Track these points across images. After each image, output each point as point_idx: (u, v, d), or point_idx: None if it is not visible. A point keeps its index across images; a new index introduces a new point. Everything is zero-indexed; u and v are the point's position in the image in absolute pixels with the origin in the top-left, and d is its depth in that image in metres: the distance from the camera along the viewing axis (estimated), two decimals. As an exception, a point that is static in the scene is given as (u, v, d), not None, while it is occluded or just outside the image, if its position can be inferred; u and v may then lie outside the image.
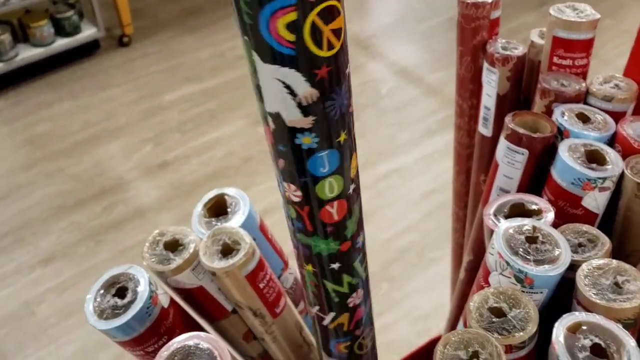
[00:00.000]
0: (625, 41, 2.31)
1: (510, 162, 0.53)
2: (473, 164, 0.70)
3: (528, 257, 0.42)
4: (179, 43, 2.61)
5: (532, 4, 2.70)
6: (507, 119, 0.53)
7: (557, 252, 0.42)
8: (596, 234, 0.46)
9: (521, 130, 0.52)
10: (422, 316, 1.49)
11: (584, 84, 0.56)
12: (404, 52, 2.49)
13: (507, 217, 0.49)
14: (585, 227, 0.47)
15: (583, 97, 0.56)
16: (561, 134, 0.53)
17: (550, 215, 0.47)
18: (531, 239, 0.43)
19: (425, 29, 2.60)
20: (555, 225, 0.48)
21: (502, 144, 0.54)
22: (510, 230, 0.43)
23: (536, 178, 0.53)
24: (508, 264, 0.41)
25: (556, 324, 0.39)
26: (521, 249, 0.42)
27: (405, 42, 2.57)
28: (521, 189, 0.54)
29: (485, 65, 0.63)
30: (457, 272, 0.85)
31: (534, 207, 0.49)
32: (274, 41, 0.29)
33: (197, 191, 1.87)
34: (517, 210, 0.49)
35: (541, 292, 0.42)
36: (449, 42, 2.25)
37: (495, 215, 0.49)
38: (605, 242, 0.45)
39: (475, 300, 0.42)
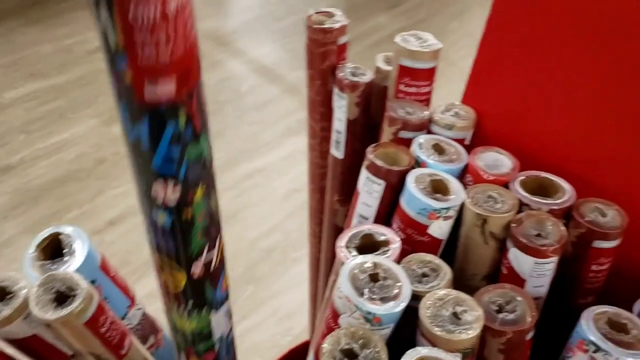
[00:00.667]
0: (470, 43, 2.47)
1: (369, 191, 0.54)
2: (327, 184, 0.71)
3: (374, 297, 0.42)
4: (20, 35, 2.38)
5: (384, 6, 2.81)
6: (369, 149, 0.54)
7: (398, 289, 0.43)
8: (438, 264, 0.48)
9: (379, 162, 0.52)
10: (286, 315, 1.50)
11: (427, 113, 0.58)
12: (264, 50, 2.48)
13: (358, 247, 0.49)
14: (429, 257, 0.48)
15: (427, 125, 0.57)
16: (419, 165, 0.54)
17: (396, 247, 0.48)
18: (374, 277, 0.43)
19: (284, 26, 2.61)
20: (404, 252, 0.49)
21: (363, 173, 0.54)
22: (355, 271, 0.43)
23: (394, 206, 0.54)
24: (357, 306, 0.41)
25: (402, 361, 0.40)
26: (366, 290, 0.42)
27: (265, 39, 2.56)
28: (379, 216, 0.55)
29: (335, 90, 0.63)
30: (315, 282, 0.86)
31: (382, 238, 0.49)
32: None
33: (46, 196, 1.73)
34: (368, 241, 0.50)
35: (388, 327, 0.43)
36: (308, 40, 2.28)
37: (347, 247, 0.49)
38: (447, 272, 0.47)
39: (327, 342, 0.41)
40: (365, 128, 0.65)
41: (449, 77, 1.70)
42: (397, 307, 0.42)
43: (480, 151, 0.55)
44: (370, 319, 0.41)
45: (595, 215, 0.49)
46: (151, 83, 0.31)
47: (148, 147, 0.34)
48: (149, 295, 0.75)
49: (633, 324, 0.44)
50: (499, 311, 0.45)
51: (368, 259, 0.45)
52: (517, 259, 0.49)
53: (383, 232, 0.50)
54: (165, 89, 0.31)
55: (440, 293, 0.44)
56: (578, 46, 0.50)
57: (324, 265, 0.79)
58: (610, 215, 0.49)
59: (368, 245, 0.50)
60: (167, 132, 0.33)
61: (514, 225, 0.48)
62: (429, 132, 0.58)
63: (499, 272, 0.51)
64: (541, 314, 0.53)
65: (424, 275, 0.47)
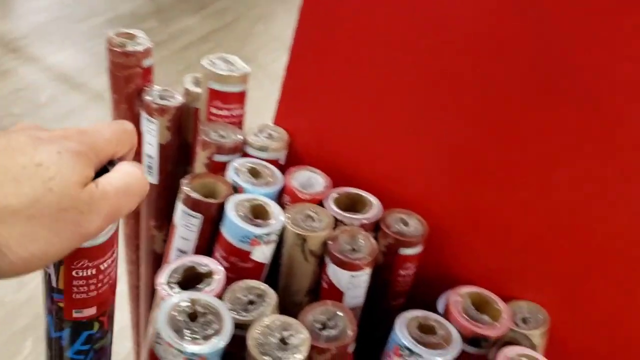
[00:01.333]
0: (277, 47, 2.54)
1: (186, 225, 0.52)
2: (141, 210, 0.68)
3: (196, 336, 0.41)
4: None
5: (192, 8, 2.76)
6: (184, 181, 0.52)
7: (219, 323, 0.42)
8: (264, 289, 0.48)
9: (195, 196, 0.51)
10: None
11: (240, 135, 0.58)
12: (63, 55, 2.30)
13: (180, 282, 0.48)
14: (253, 283, 0.49)
15: (241, 147, 0.58)
16: (237, 190, 0.54)
17: (220, 277, 0.48)
18: (193, 315, 0.42)
19: (85, 29, 2.44)
20: (229, 280, 0.49)
21: (179, 207, 0.52)
22: (172, 312, 0.41)
23: (213, 237, 0.53)
24: (179, 350, 0.40)
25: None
26: (187, 331, 0.41)
27: (63, 43, 2.37)
28: (199, 249, 0.53)
29: (144, 114, 0.61)
30: (137, 311, 0.82)
31: (204, 269, 0.49)
32: None
33: None
34: (191, 274, 0.49)
35: None
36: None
37: (168, 283, 0.47)
38: (272, 297, 0.48)
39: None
40: (178, 150, 0.63)
41: (259, 81, 1.72)
42: (220, 342, 0.41)
43: (294, 171, 0.57)
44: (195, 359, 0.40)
45: (399, 226, 0.53)
46: (78, 310, 0.41)
47: (67, 344, 0.44)
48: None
49: (439, 324, 0.49)
50: (323, 328, 0.47)
51: (184, 298, 0.43)
52: (335, 274, 0.51)
53: (205, 263, 0.49)
54: (87, 313, 0.42)
55: (267, 321, 0.44)
56: (381, 66, 0.54)
57: (144, 293, 0.76)
58: (412, 224, 0.53)
59: (191, 278, 0.49)
60: (83, 335, 0.43)
61: (330, 242, 0.50)
62: (244, 154, 0.58)
63: (320, 287, 0.53)
64: (360, 320, 0.56)
65: (251, 302, 0.48)
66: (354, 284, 0.51)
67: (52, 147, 0.30)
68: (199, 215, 0.51)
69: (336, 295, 0.52)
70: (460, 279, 0.57)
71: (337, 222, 0.53)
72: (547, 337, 0.57)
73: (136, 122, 0.63)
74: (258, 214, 0.51)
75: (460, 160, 0.54)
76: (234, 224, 0.49)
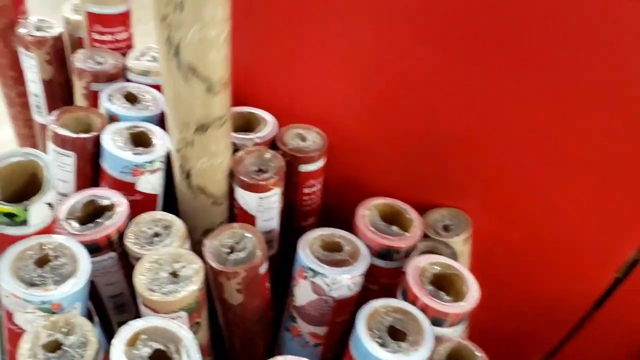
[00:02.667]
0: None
1: (60, 165, 0.47)
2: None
3: (45, 282, 0.36)
4: None
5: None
6: (51, 117, 0.47)
7: (73, 264, 0.38)
8: (171, 220, 0.44)
9: (63, 132, 0.46)
10: None
11: (120, 60, 0.52)
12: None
13: (80, 218, 0.44)
14: (160, 215, 0.45)
15: (122, 74, 0.52)
16: (113, 120, 0.49)
17: (122, 209, 0.44)
18: (42, 260, 0.38)
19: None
20: (132, 214, 0.45)
21: (49, 147, 0.47)
22: (17, 260, 0.37)
23: (97, 176, 0.48)
24: (27, 300, 0.35)
25: (114, 341, 0.36)
26: (36, 278, 0.36)
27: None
28: (79, 189, 0.49)
29: (21, 49, 0.55)
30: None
31: (105, 202, 0.44)
32: None
33: None
34: (92, 208, 0.45)
35: (75, 308, 0.38)
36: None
37: (67, 220, 0.43)
38: (179, 227, 0.44)
39: (25, 342, 0.36)
40: (66, 87, 0.58)
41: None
42: (78, 284, 0.37)
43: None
44: (47, 308, 0.36)
45: (296, 142, 0.49)
46: None
47: None
48: None
49: (346, 240, 0.45)
50: (231, 252, 0.44)
51: (33, 243, 0.38)
52: (243, 197, 0.47)
53: (107, 196, 0.44)
54: None
55: (155, 255, 0.41)
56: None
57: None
58: (310, 139, 0.49)
59: (92, 212, 0.44)
60: None
61: (235, 164, 0.46)
62: (128, 81, 0.53)
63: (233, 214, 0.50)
64: (281, 243, 0.53)
65: (156, 234, 0.44)
66: (264, 207, 0.48)
67: None
68: (71, 153, 0.46)
69: (248, 220, 0.48)
70: (376, 192, 0.53)
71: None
72: (472, 243, 0.54)
73: (16, 58, 0.57)
74: (140, 141, 0.47)
75: (366, 68, 0.50)
76: (111, 154, 0.45)
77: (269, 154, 0.48)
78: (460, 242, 0.52)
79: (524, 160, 0.49)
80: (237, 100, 0.52)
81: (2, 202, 0.36)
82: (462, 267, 0.44)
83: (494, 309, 0.58)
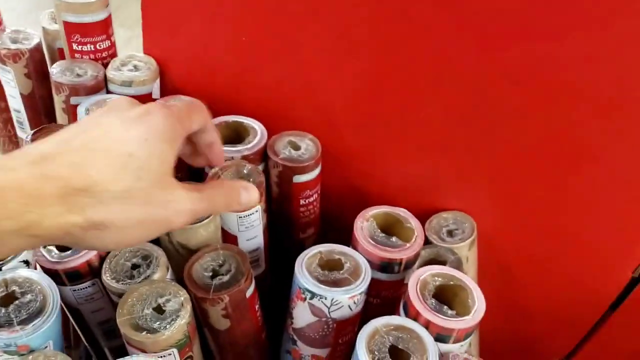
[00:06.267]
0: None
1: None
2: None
3: (10, 322, 0.34)
4: None
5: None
6: (27, 138, 0.45)
7: (41, 299, 0.36)
8: (149, 249, 0.42)
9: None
10: None
11: (102, 71, 0.50)
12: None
13: (59, 245, 0.41)
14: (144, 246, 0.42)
15: (103, 85, 0.50)
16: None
17: None
18: (8, 298, 0.35)
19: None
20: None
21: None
22: None
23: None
24: None
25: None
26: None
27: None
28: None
29: (-4, 63, 0.53)
30: None
31: None
32: None
33: None
34: None
35: (47, 347, 0.36)
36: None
37: (45, 246, 0.41)
38: (159, 254, 0.41)
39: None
40: (49, 100, 0.55)
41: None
42: (46, 322, 0.34)
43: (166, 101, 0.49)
44: (14, 351, 0.33)
45: (289, 151, 0.46)
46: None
47: None
48: None
49: (346, 257, 0.42)
50: (214, 276, 0.41)
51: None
52: (223, 217, 0.45)
53: None
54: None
55: (138, 291, 0.38)
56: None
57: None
58: (304, 147, 0.46)
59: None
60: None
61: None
62: (109, 92, 0.50)
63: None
64: (270, 260, 0.50)
65: (135, 266, 0.41)
66: (245, 225, 0.45)
67: (140, 132, 0.33)
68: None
69: (231, 240, 0.46)
70: (376, 198, 0.51)
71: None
72: (478, 247, 0.51)
73: (-8, 74, 0.55)
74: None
75: (361, 68, 0.47)
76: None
77: (247, 169, 0.45)
78: (466, 247, 0.49)
79: (531, 159, 0.46)
80: (222, 108, 0.49)
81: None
82: (466, 277, 0.42)
83: (507, 314, 0.56)
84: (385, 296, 0.45)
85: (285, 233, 0.49)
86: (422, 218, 0.51)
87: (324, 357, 0.43)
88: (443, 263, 0.47)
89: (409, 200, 0.50)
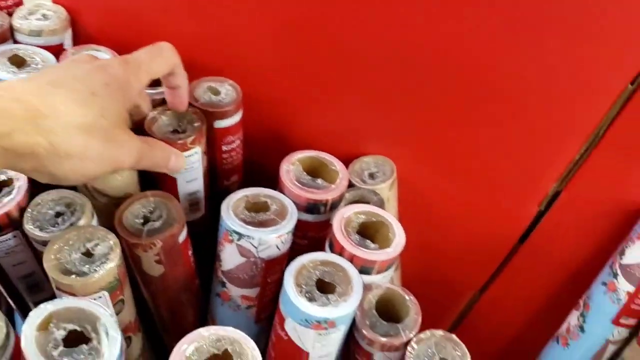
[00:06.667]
0: None
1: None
2: None
3: None
4: None
5: None
6: None
7: None
8: (72, 197, 0.41)
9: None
10: None
11: (7, 20, 0.48)
12: None
13: None
14: (64, 192, 0.41)
15: (9, 35, 0.47)
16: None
17: (20, 184, 0.41)
18: None
19: None
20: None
21: None
22: None
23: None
24: None
25: (23, 327, 0.33)
26: None
27: None
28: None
29: None
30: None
31: (2, 177, 0.41)
32: None
33: None
34: None
35: None
36: None
37: None
38: (84, 201, 0.41)
39: None
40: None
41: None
42: None
43: (72, 52, 0.47)
44: None
45: (209, 96, 0.46)
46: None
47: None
48: None
49: (272, 199, 0.43)
50: (146, 222, 0.41)
51: None
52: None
53: (2, 170, 0.41)
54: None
55: (65, 236, 0.38)
56: None
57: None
58: (224, 92, 0.46)
59: None
60: None
61: (149, 125, 0.43)
62: (16, 42, 0.48)
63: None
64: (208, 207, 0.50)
65: (58, 214, 0.40)
66: (186, 166, 0.45)
67: (102, 77, 0.36)
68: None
69: (170, 183, 0.46)
70: (299, 144, 0.52)
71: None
72: (398, 189, 0.54)
73: None
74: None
75: (280, 11, 0.47)
76: None
77: (189, 112, 0.45)
78: (387, 188, 0.51)
79: (443, 103, 0.48)
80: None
81: None
82: (387, 214, 0.44)
83: (426, 250, 0.59)
84: (312, 237, 0.46)
85: (211, 181, 0.50)
86: (346, 163, 0.53)
87: (254, 297, 0.44)
88: (367, 204, 0.49)
89: (332, 145, 0.52)
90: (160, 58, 0.40)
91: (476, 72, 0.46)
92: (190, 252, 0.44)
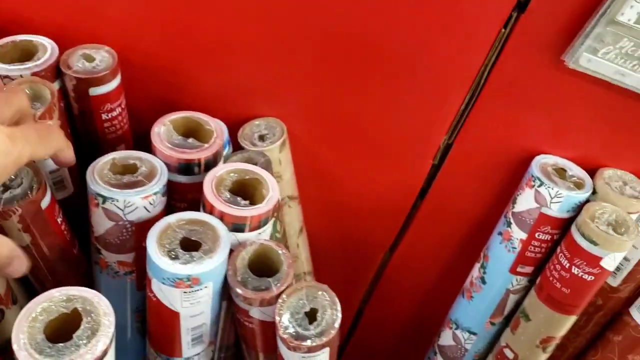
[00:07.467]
0: None
1: None
2: None
3: None
4: None
5: None
6: None
7: None
8: None
9: None
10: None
11: None
12: None
13: None
14: None
15: None
16: None
17: None
18: None
19: None
20: None
21: None
22: None
23: None
24: None
25: None
26: None
27: None
28: None
29: None
30: None
31: None
32: None
33: None
34: None
35: None
36: None
37: None
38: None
39: None
40: None
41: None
42: None
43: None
44: None
45: (82, 63, 0.45)
46: None
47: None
48: None
49: (142, 161, 0.42)
50: (5, 190, 0.40)
51: None
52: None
53: None
54: None
55: None
56: None
57: None
58: (99, 59, 0.46)
59: None
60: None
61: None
62: None
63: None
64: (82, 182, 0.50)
65: None
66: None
67: None
68: None
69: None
70: (186, 110, 0.51)
71: (3, 79, 0.44)
72: (293, 150, 0.53)
73: None
74: None
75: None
76: None
77: (34, 85, 0.43)
78: (277, 149, 0.51)
79: (332, 63, 0.48)
80: (13, 29, 0.47)
81: None
82: (262, 171, 0.44)
83: (330, 213, 0.59)
84: (191, 199, 0.46)
85: (93, 152, 0.49)
86: (238, 127, 0.53)
87: (130, 262, 0.44)
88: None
89: (223, 110, 0.51)
90: (47, 141, 0.37)
91: (357, 31, 0.46)
92: (60, 220, 0.43)
